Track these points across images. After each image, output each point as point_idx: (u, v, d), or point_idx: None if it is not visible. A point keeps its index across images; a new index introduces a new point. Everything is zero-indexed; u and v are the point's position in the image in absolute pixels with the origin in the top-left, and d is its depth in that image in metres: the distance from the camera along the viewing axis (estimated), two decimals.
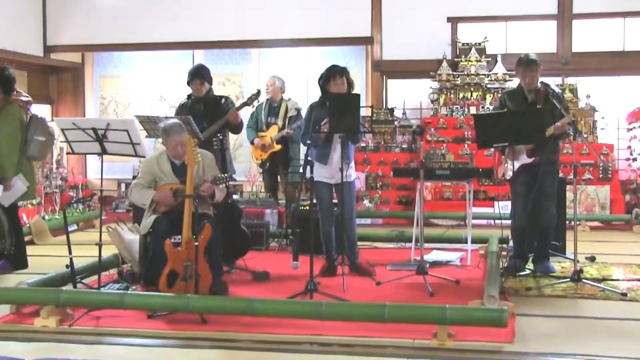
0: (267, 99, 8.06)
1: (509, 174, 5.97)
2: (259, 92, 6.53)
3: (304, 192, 7.95)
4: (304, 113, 7.86)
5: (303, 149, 5.87)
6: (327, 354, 4.09)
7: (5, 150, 6.13)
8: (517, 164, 5.87)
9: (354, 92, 6.12)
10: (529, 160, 5.83)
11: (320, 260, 6.07)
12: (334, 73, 5.94)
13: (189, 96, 6.58)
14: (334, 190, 6.14)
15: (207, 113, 6.35)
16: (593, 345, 4.15)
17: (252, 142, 7.99)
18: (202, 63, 6.82)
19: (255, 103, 6.41)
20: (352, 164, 6.17)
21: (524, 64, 5.83)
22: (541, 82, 5.91)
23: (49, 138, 6.32)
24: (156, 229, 5.29)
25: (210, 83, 6.48)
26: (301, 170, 5.66)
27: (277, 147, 7.83)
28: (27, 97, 6.48)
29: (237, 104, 6.53)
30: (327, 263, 6.09)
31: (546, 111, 5.70)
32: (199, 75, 6.38)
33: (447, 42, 10.54)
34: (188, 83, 6.46)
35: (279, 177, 8.12)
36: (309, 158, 5.45)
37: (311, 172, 5.38)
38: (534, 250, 6.11)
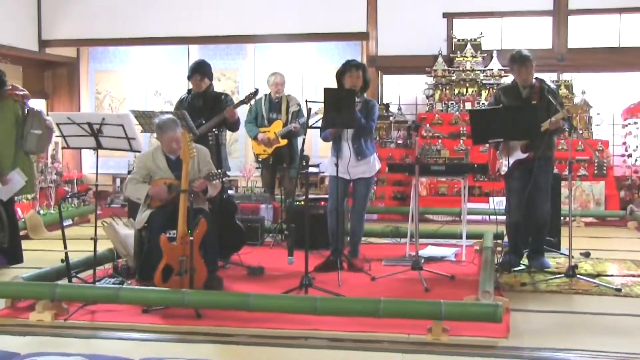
0: (267, 95, 8.00)
1: (504, 170, 5.98)
2: (257, 90, 6.50)
3: (299, 188, 7.97)
4: (304, 108, 7.86)
5: (317, 147, 5.91)
6: (322, 348, 4.09)
7: (0, 145, 6.12)
8: (511, 160, 5.88)
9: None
10: (524, 156, 5.83)
11: (315, 255, 6.08)
12: (350, 66, 6.03)
13: (189, 91, 6.57)
14: (349, 186, 6.15)
15: (205, 109, 6.33)
16: (587, 341, 4.16)
17: (254, 138, 7.92)
18: (203, 59, 6.78)
19: (252, 101, 6.38)
20: (372, 158, 6.15)
21: (519, 61, 5.82)
22: (536, 78, 5.91)
23: (46, 131, 6.29)
24: (151, 224, 5.29)
25: (211, 79, 6.47)
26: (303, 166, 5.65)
27: (283, 142, 7.79)
28: (24, 91, 6.46)
29: (235, 102, 6.52)
30: (330, 257, 6.07)
31: (541, 107, 5.71)
32: (200, 70, 6.36)
33: (443, 37, 10.53)
34: (188, 78, 6.45)
35: (277, 172, 8.09)
36: (331, 154, 5.47)
37: (307, 167, 5.39)
38: (529, 245, 6.12)
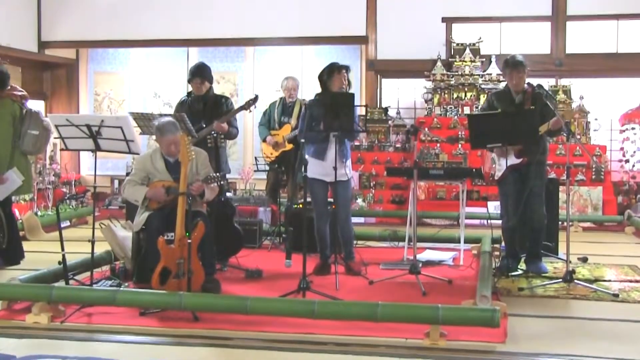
0: (281, 98, 7.99)
1: (498, 175, 5.98)
2: (256, 97, 6.47)
3: (298, 192, 7.96)
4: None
5: None
6: (320, 352, 4.08)
7: None
8: (504, 165, 5.87)
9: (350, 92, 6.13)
10: (518, 161, 5.82)
11: (313, 259, 6.08)
12: (338, 67, 5.98)
13: (189, 94, 6.56)
14: (329, 189, 6.14)
15: (205, 112, 6.33)
16: (584, 346, 4.16)
17: (264, 140, 7.93)
18: (202, 61, 6.77)
19: (253, 108, 6.37)
20: (349, 162, 6.15)
21: (511, 66, 5.84)
22: (528, 83, 5.92)
23: (43, 132, 6.29)
24: (149, 226, 5.28)
25: (211, 82, 6.46)
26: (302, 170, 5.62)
27: (289, 146, 7.74)
28: (22, 91, 6.47)
29: (235, 105, 6.53)
30: (321, 261, 6.10)
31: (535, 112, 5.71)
32: (200, 74, 6.35)
33: (442, 42, 10.56)
34: (189, 81, 6.45)
35: (285, 176, 8.06)
36: (306, 156, 5.47)
37: (305, 170, 5.39)
38: (526, 250, 6.12)
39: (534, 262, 6.06)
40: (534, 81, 6.00)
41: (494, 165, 6.05)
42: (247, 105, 6.35)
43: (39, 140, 6.32)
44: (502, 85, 10.04)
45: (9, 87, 6.31)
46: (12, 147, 6.22)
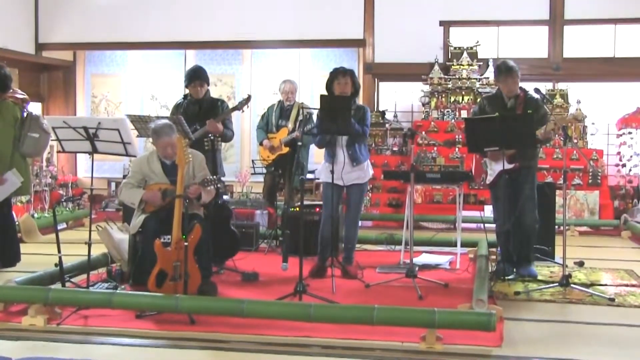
0: (280, 101, 7.98)
1: (489, 179, 5.99)
2: (249, 97, 6.47)
3: (295, 195, 7.96)
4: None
5: (311, 153, 5.85)
6: (316, 355, 4.09)
7: None
8: (496, 169, 5.87)
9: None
10: (510, 166, 5.82)
11: (310, 262, 6.08)
12: (337, 74, 6.02)
13: (184, 96, 6.56)
14: (343, 193, 6.13)
15: (201, 115, 6.32)
16: (580, 350, 4.17)
17: (260, 143, 7.91)
18: (198, 64, 6.75)
19: (245, 108, 6.37)
20: (366, 164, 6.14)
21: (505, 71, 5.85)
22: (520, 88, 5.94)
23: (43, 135, 6.30)
24: (146, 229, 5.28)
25: (208, 84, 6.47)
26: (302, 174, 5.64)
27: (285, 149, 7.70)
28: (23, 94, 6.50)
29: (230, 107, 6.52)
30: (318, 264, 6.09)
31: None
32: (199, 77, 6.34)
33: (439, 45, 10.56)
34: (186, 86, 6.43)
35: (281, 179, 8.05)
36: (325, 161, 5.47)
37: (302, 174, 5.41)
38: (518, 254, 6.10)
39: (524, 265, 6.06)
40: (532, 85, 6.02)
41: (485, 170, 6.05)
42: (240, 106, 6.35)
43: (38, 143, 6.34)
44: None
45: (11, 90, 6.34)
46: (12, 148, 6.23)
